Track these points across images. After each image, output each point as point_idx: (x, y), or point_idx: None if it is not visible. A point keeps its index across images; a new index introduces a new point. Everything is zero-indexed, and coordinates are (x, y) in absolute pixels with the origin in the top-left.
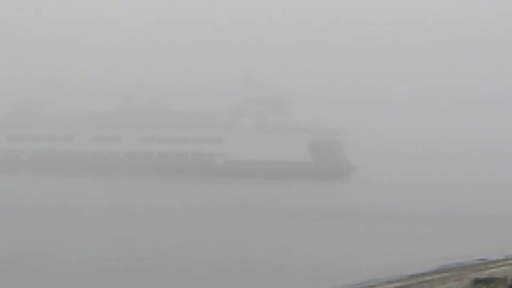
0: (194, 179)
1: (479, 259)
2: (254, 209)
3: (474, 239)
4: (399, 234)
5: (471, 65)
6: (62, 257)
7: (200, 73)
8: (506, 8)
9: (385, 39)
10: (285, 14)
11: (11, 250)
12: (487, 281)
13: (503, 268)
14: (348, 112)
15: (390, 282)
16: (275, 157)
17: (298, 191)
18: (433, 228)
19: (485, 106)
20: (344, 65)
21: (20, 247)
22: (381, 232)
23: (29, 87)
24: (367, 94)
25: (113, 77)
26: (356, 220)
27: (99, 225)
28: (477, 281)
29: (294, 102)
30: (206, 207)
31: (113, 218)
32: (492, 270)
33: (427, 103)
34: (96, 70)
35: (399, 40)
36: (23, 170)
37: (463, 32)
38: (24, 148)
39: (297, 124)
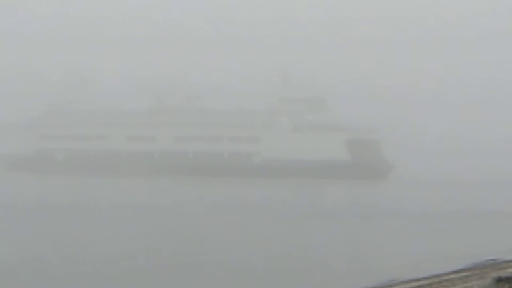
0: (231, 179)
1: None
2: (292, 208)
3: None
4: (431, 232)
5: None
6: (99, 257)
7: (236, 71)
8: None
9: (425, 35)
10: (322, 11)
11: (48, 250)
12: (509, 279)
13: None
14: (386, 110)
15: (412, 280)
16: (312, 156)
17: (336, 190)
18: (464, 226)
19: None
20: (382, 62)
21: (57, 247)
22: (413, 231)
23: (63, 86)
24: (405, 92)
25: (148, 75)
26: (391, 219)
27: (135, 226)
28: (499, 280)
29: (331, 100)
30: (244, 207)
31: (149, 218)
32: None
33: (466, 99)
34: (130, 68)
35: (439, 36)
36: (57, 170)
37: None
38: (58, 148)
39: (334, 122)
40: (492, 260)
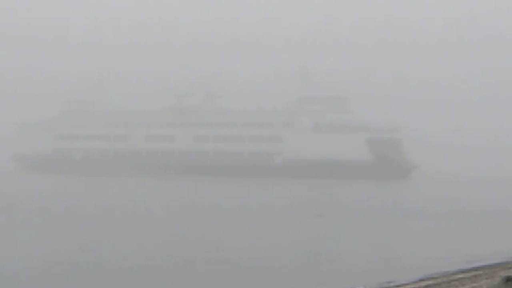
0: (252, 179)
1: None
2: (314, 209)
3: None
4: (443, 232)
5: None
6: (119, 257)
7: (255, 70)
8: None
9: (443, 34)
10: (342, 9)
11: (68, 251)
12: None
13: None
14: (408, 109)
15: (421, 280)
16: (334, 156)
17: (359, 190)
18: (475, 225)
19: None
20: (402, 61)
21: (77, 247)
22: (428, 230)
23: (81, 86)
24: (426, 90)
25: (167, 74)
26: (407, 219)
27: (153, 226)
28: (508, 279)
29: (353, 99)
30: (265, 207)
31: (167, 218)
32: None
33: (488, 98)
34: (149, 68)
35: (457, 35)
36: (76, 170)
37: None
38: (77, 148)
39: (355, 122)
40: (501, 259)
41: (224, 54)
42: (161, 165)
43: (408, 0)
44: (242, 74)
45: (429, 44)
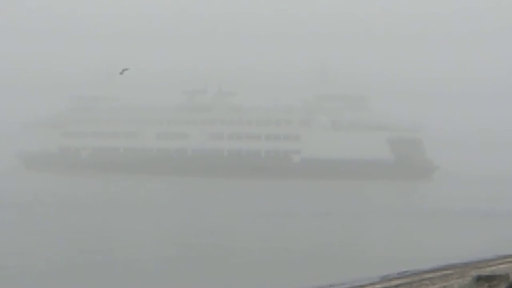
0: (269, 179)
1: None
2: (334, 209)
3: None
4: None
5: None
6: (127, 255)
7: (272, 66)
8: None
9: (466, 30)
10: (363, 4)
11: (71, 246)
12: (489, 278)
13: (505, 265)
14: (429, 108)
15: (391, 279)
16: (353, 155)
17: (379, 191)
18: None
19: None
20: (424, 58)
21: (85, 245)
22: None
23: (88, 81)
24: (449, 89)
25: (179, 69)
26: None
27: (163, 225)
28: (479, 279)
29: (372, 97)
30: (283, 209)
31: (179, 219)
32: (494, 267)
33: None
34: (160, 62)
35: (481, 31)
36: (83, 169)
37: None
38: (84, 145)
39: (375, 120)
40: (472, 259)
41: (239, 49)
42: (173, 164)
43: None
44: (258, 70)
45: (453, 39)
